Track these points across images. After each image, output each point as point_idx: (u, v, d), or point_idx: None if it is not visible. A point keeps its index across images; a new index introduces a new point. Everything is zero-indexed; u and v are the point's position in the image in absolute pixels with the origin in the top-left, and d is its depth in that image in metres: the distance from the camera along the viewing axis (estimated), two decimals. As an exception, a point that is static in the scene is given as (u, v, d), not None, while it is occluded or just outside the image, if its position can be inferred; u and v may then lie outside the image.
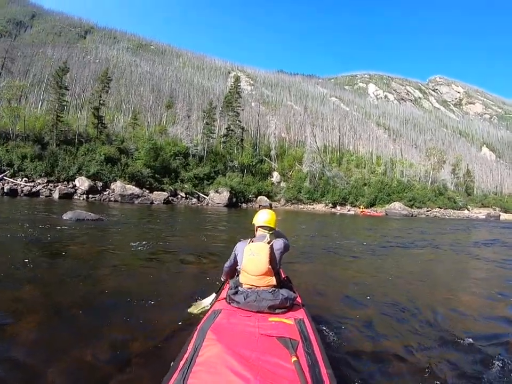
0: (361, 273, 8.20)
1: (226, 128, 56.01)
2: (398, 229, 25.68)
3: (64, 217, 13.56)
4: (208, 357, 2.34)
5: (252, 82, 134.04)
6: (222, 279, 4.41)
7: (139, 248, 8.95)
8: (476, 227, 33.13)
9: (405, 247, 13.65)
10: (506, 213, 73.02)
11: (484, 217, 63.50)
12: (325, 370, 2.37)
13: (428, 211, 61.86)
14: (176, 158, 44.70)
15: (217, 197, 41.67)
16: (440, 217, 55.80)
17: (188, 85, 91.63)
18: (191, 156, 47.15)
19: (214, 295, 4.26)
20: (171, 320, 4.17)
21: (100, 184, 33.62)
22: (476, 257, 12.27)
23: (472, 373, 3.40)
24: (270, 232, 4.00)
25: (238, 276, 3.93)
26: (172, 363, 2.42)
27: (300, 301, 3.73)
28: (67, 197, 29.58)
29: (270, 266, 3.60)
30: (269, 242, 3.77)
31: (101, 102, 44.24)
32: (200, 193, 42.54)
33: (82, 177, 32.71)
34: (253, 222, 4.15)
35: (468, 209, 71.29)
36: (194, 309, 4.43)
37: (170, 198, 37.62)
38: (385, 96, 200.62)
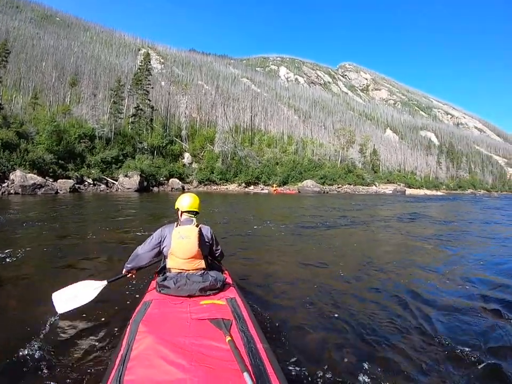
0: (278, 255, 8.46)
1: (135, 108, 53.90)
2: (314, 206, 26.61)
3: None
4: (142, 350, 2.33)
5: (162, 60, 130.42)
6: (126, 268, 4.12)
7: (38, 250, 8.10)
8: (388, 202, 35.46)
9: (328, 226, 14.03)
10: (410, 188, 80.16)
11: (390, 192, 69.68)
12: (261, 346, 2.46)
13: (339, 187, 66.09)
14: (82, 141, 42.29)
15: (127, 181, 40.47)
16: (350, 193, 60.05)
17: (95, 61, 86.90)
18: (97, 138, 45.01)
19: (105, 282, 4.08)
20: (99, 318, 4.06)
21: (-4, 174, 30.74)
22: (409, 234, 12.70)
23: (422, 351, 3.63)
24: (196, 216, 4.03)
25: (165, 260, 3.97)
26: (109, 362, 2.42)
27: (230, 281, 3.86)
28: (-43, 192, 26.49)
29: (199, 249, 3.67)
30: (197, 226, 3.82)
31: (-3, 79, 40.73)
32: (108, 179, 40.88)
33: (-25, 168, 29.63)
34: (176, 207, 4.13)
35: (376, 185, 77.24)
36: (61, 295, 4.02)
37: (76, 185, 35.36)
38: (296, 79, 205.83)
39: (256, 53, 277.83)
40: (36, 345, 3.34)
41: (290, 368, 3.10)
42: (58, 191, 32.26)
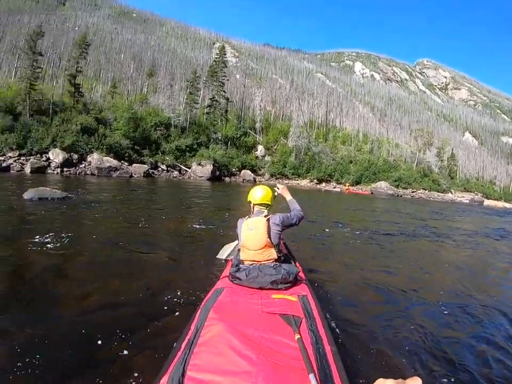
0: (361, 258, 8.03)
1: (210, 99, 53.58)
2: (389, 210, 24.45)
3: (25, 197, 11.63)
4: (210, 337, 2.34)
5: (236, 54, 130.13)
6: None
7: (107, 234, 7.82)
8: (467, 212, 32.17)
9: (407, 235, 12.19)
10: (488, 198, 73.48)
11: (467, 201, 63.18)
12: (329, 348, 2.37)
13: (413, 192, 61.34)
14: (157, 128, 42.58)
15: (200, 170, 40.04)
16: (425, 199, 55.55)
17: (171, 54, 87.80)
18: (173, 126, 44.97)
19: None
20: (170, 303, 4.13)
21: (75, 156, 31.11)
22: (497, 252, 10.90)
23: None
24: (267, 209, 4.04)
25: (239, 253, 3.99)
26: (175, 344, 2.40)
27: (303, 276, 3.77)
28: (40, 171, 27.05)
29: (268, 239, 3.65)
30: (265, 216, 3.81)
31: (78, 69, 41.34)
32: (181, 166, 40.75)
33: (57, 149, 30.12)
34: (248, 200, 4.15)
35: (451, 193, 70.89)
36: (222, 255, 4.87)
37: (150, 170, 35.65)
38: (372, 76, 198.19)
39: (331, 48, 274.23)
40: (99, 328, 3.44)
41: (356, 374, 2.96)
42: (133, 174, 32.61)
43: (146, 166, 35.40)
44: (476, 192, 76.96)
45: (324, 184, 56.17)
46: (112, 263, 5.80)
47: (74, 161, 30.85)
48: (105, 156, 32.33)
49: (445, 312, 4.76)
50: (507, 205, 68.10)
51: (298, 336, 2.39)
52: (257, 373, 1.93)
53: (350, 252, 8.59)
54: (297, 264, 4.17)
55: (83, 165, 31.12)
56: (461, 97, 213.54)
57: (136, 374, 2.79)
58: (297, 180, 54.97)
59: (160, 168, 38.56)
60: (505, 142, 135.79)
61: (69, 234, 7.12)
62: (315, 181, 56.09)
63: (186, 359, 2.07)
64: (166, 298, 4.25)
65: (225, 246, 5.61)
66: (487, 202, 67.14)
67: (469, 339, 4.05)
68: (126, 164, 34.13)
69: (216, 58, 56.47)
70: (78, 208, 11.15)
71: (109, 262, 5.83)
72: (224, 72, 55.14)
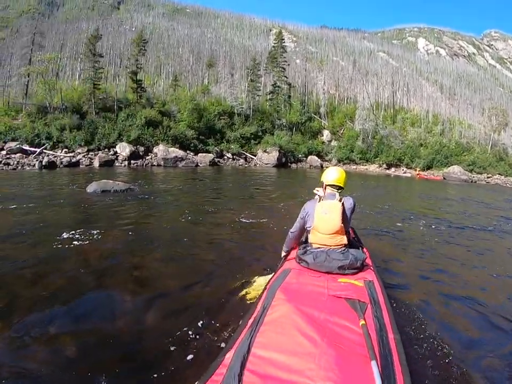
0: (435, 254, 6.99)
1: (272, 85, 52.25)
2: (465, 199, 21.00)
3: (88, 190, 11.92)
4: (277, 316, 2.40)
5: (294, 39, 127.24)
6: (284, 252, 4.21)
7: (165, 226, 7.71)
8: None
9: (491, 231, 9.94)
10: None
11: None
12: (392, 336, 2.37)
13: (488, 177, 56.01)
14: (221, 118, 42.01)
15: (266, 157, 39.20)
16: (502, 185, 51.30)
17: (229, 44, 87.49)
18: (236, 115, 44.30)
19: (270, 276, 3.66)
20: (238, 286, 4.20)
21: (141, 149, 31.38)
22: None
23: None
24: (339, 191, 3.91)
25: (307, 235, 3.88)
26: (241, 321, 2.51)
27: (370, 262, 3.72)
28: (108, 164, 27.49)
29: (342, 225, 3.57)
30: (340, 200, 3.71)
31: (138, 65, 41.80)
32: (247, 154, 40.14)
33: (123, 143, 30.58)
34: (321, 180, 4.05)
35: None
36: (251, 289, 4.10)
37: (216, 159, 35.31)
38: (437, 51, 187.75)
39: (391, 25, 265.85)
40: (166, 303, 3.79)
41: (416, 364, 2.89)
42: (199, 164, 32.38)
43: (211, 155, 35.06)
44: None
45: (393, 169, 53.56)
46: (173, 257, 5.65)
47: (140, 153, 31.04)
48: (171, 147, 32.25)
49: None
50: None
51: (363, 322, 2.40)
52: (320, 355, 1.96)
53: (423, 247, 7.49)
54: (365, 249, 4.12)
55: (149, 157, 31.26)
56: None
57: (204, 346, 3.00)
58: (365, 165, 52.81)
59: (225, 157, 38.16)
60: None
61: (125, 227, 7.15)
62: (384, 165, 53.64)
63: (252, 336, 2.13)
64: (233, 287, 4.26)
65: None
66: None
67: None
68: (191, 153, 33.92)
69: (275, 43, 54.71)
70: (138, 200, 11.04)
71: (169, 256, 5.69)
72: (284, 57, 53.53)
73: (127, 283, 4.39)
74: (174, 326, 3.27)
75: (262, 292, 2.88)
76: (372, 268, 3.59)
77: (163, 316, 3.54)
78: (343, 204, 3.68)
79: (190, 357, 2.87)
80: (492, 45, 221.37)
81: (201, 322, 3.33)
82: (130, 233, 6.76)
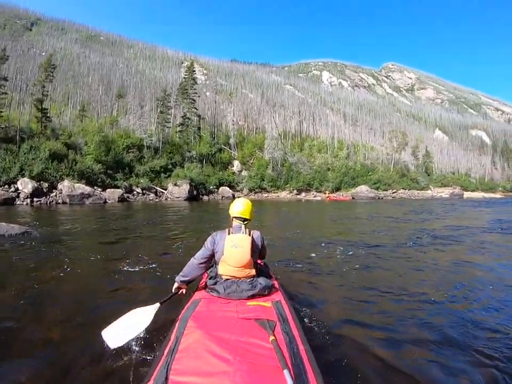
0: (344, 275, 6.85)
1: (182, 117, 52.56)
2: (374, 216, 22.13)
3: None
4: (190, 343, 2.43)
5: (205, 71, 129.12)
6: (180, 281, 3.90)
7: (61, 279, 6.27)
8: (454, 208, 31.49)
9: (405, 245, 10.22)
10: (465, 191, 75.05)
11: (447, 196, 64.66)
12: (302, 347, 2.47)
13: (393, 193, 62.02)
14: (130, 151, 41.47)
15: (177, 190, 38.91)
16: (406, 198, 55.94)
17: (140, 75, 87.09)
18: (145, 148, 43.94)
19: (157, 304, 3.52)
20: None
21: (45, 185, 29.84)
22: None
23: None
24: (245, 223, 3.88)
25: (216, 266, 3.84)
26: (157, 352, 2.53)
27: (278, 286, 3.80)
28: (8, 202, 25.59)
29: (251, 258, 3.62)
30: (249, 234, 3.75)
31: (45, 93, 40.15)
32: (157, 188, 39.54)
33: (25, 178, 28.74)
34: (229, 212, 4.03)
35: (431, 189, 72.30)
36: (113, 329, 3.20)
37: (125, 195, 34.32)
38: (340, 83, 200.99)
39: (297, 59, 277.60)
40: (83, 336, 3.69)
41: (329, 370, 2.95)
42: (107, 200, 31.34)
43: (120, 190, 34.08)
44: (453, 186, 78.51)
45: (303, 194, 55.64)
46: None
47: (44, 190, 29.54)
48: (77, 183, 30.87)
49: (422, 315, 4.55)
50: (485, 195, 70.97)
51: (273, 337, 2.47)
52: (234, 372, 2.02)
53: (332, 270, 7.33)
54: (272, 274, 4.24)
55: (54, 194, 29.71)
56: (427, 96, 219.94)
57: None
58: (277, 192, 54.22)
59: (135, 192, 37.28)
60: (474, 135, 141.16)
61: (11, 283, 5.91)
62: (295, 191, 55.47)
63: (168, 364, 2.16)
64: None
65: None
66: (466, 194, 68.87)
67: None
68: (99, 189, 32.81)
69: (186, 75, 55.39)
70: (34, 246, 9.32)
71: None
72: (195, 89, 54.35)
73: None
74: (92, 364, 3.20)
75: (175, 323, 2.89)
76: (279, 289, 3.72)
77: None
78: (252, 237, 3.74)
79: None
80: (389, 75, 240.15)
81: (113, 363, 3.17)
82: (13, 292, 5.35)
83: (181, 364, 2.17)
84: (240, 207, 3.94)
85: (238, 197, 38.66)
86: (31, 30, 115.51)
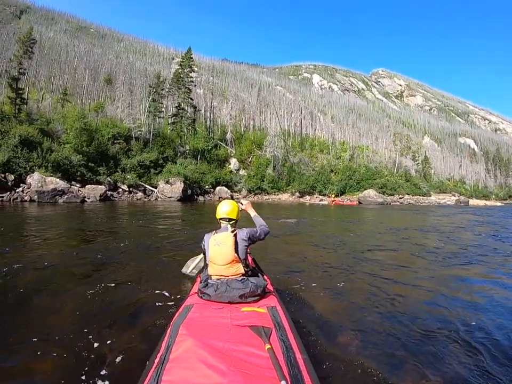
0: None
1: (176, 107, 46.30)
2: (389, 225, 18.25)
3: None
4: (181, 352, 2.34)
5: (196, 69, 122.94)
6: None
7: None
8: (470, 215, 28.81)
9: (438, 263, 8.38)
10: (469, 198, 73.70)
11: (452, 203, 62.65)
12: (300, 356, 2.37)
13: (400, 198, 58.17)
14: (116, 141, 35.33)
15: (169, 189, 33.06)
16: (414, 205, 52.53)
17: (130, 68, 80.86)
18: (134, 139, 37.71)
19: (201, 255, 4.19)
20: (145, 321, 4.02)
21: (11, 177, 23.51)
22: None
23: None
24: (230, 223, 3.91)
25: (207, 268, 3.90)
26: (147, 362, 2.41)
27: (271, 288, 3.72)
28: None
29: (236, 254, 3.59)
30: (232, 232, 3.74)
31: (21, 70, 34.15)
32: (146, 185, 33.52)
33: (-14, 169, 22.22)
34: (216, 215, 4.05)
35: (431, 196, 69.34)
36: (186, 269, 5.02)
37: (109, 193, 28.36)
38: (330, 87, 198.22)
39: (288, 62, 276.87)
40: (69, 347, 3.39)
41: (328, 381, 2.96)
42: (86, 199, 24.93)
43: (103, 187, 27.84)
44: (453, 193, 77.76)
45: (307, 197, 51.26)
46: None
47: (10, 183, 23.27)
48: (50, 176, 24.54)
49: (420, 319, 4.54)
50: (487, 203, 69.78)
51: (269, 346, 2.37)
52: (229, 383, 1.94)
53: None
54: (265, 277, 4.10)
55: (20, 189, 23.29)
56: (416, 103, 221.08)
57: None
58: (278, 194, 49.47)
59: (120, 189, 31.27)
60: (462, 142, 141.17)
61: None
62: (297, 194, 50.98)
63: (159, 375, 2.06)
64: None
65: (188, 261, 5.58)
66: (471, 202, 67.36)
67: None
68: (77, 185, 26.66)
69: (182, 62, 48.77)
70: None
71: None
72: (192, 77, 48.01)
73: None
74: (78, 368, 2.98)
75: (166, 330, 2.72)
76: (273, 293, 3.53)
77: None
78: (235, 234, 3.69)
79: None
80: (379, 81, 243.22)
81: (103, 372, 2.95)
82: None
83: (172, 375, 2.06)
84: (225, 207, 3.93)
85: (237, 199, 33.44)
86: (20, 17, 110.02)
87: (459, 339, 3.89)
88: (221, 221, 3.92)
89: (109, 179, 30.27)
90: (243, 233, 3.79)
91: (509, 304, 5.33)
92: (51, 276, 5.79)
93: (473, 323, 4.41)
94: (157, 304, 4.50)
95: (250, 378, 1.99)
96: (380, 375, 3.10)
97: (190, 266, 5.43)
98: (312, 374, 2.16)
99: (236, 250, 3.58)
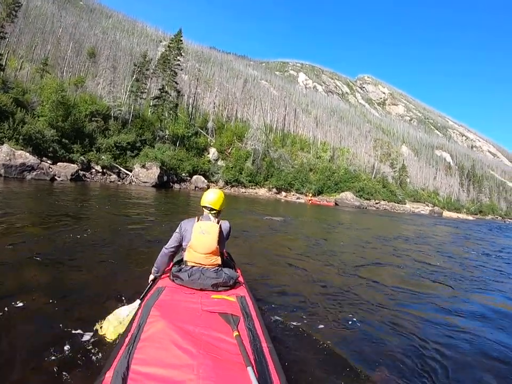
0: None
1: (159, 89, 44.57)
2: (366, 229, 19.01)
3: None
4: (153, 332, 2.35)
5: (183, 54, 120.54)
6: (155, 273, 3.76)
7: None
8: (448, 226, 30.52)
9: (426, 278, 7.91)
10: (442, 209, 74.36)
11: (426, 213, 63.65)
12: (266, 345, 2.43)
13: (376, 203, 58.72)
14: (93, 119, 33.47)
15: (144, 173, 31.85)
16: (389, 211, 53.26)
17: (115, 46, 77.85)
18: (112, 118, 36.03)
19: (137, 301, 3.38)
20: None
21: (-24, 149, 21.92)
22: None
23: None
24: (212, 213, 3.83)
25: (182, 253, 3.78)
26: (117, 341, 2.46)
27: (242, 280, 3.74)
28: None
29: (218, 246, 3.57)
30: (218, 222, 3.71)
31: (2, 34, 32.60)
32: (121, 168, 32.17)
33: None
34: (200, 201, 3.97)
35: (406, 203, 70.18)
36: (108, 324, 3.36)
37: (81, 172, 26.82)
38: (314, 87, 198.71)
39: (275, 57, 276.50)
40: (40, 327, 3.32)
41: (291, 367, 2.96)
42: (56, 177, 23.42)
43: (75, 165, 26.38)
44: (426, 203, 79.05)
45: (284, 193, 50.97)
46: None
47: (-26, 156, 21.67)
48: (21, 149, 22.96)
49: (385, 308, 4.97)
50: (460, 216, 72.21)
51: (237, 333, 2.42)
52: (198, 366, 1.97)
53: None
54: (238, 269, 4.08)
55: (-14, 162, 21.62)
56: (397, 112, 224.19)
57: (79, 370, 2.68)
58: (255, 189, 48.83)
59: (94, 170, 29.75)
60: (439, 155, 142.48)
61: None
62: (274, 190, 50.58)
63: (130, 353, 2.06)
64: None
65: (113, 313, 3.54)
66: (445, 213, 68.54)
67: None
68: (48, 161, 25.08)
69: (171, 44, 46.89)
70: None
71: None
72: (179, 60, 46.44)
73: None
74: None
75: (137, 310, 2.78)
76: (244, 285, 3.59)
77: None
78: (220, 225, 3.66)
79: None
80: (363, 87, 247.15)
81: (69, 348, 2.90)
82: None
83: (143, 353, 2.07)
84: (211, 196, 3.84)
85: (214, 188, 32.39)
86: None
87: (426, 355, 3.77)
88: (204, 208, 3.85)
89: (83, 158, 28.77)
90: (226, 225, 3.81)
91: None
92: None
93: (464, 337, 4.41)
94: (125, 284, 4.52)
95: (218, 362, 2.02)
96: (339, 364, 3.22)
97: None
98: (276, 362, 2.21)
99: (219, 242, 3.55)
